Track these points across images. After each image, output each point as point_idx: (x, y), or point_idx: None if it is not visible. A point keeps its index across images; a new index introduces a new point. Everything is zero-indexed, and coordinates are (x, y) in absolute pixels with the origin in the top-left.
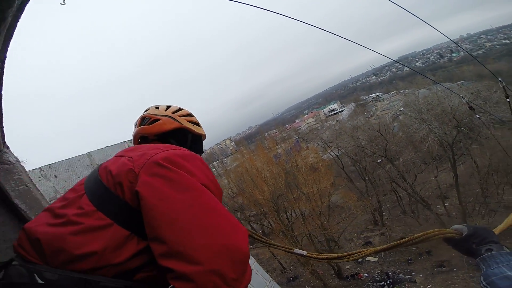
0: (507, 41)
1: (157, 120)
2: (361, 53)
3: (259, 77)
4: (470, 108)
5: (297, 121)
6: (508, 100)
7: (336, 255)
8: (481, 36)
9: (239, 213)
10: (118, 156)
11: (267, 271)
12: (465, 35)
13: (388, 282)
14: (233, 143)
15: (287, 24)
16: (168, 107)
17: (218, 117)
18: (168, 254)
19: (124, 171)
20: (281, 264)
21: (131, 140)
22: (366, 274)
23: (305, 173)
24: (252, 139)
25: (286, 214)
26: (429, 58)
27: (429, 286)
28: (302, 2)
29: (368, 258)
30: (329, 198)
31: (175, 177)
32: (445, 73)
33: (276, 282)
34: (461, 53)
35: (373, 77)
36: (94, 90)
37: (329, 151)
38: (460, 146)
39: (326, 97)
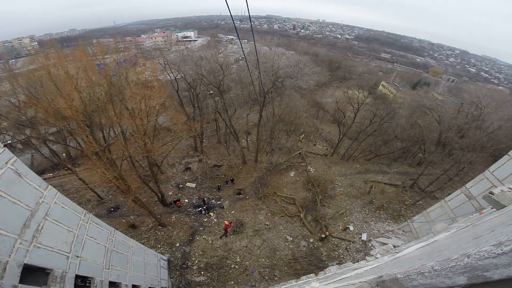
0: (339, 36)
1: None
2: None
3: None
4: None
5: (143, 36)
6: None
7: None
8: (329, 25)
9: (29, 130)
10: None
11: (79, 204)
12: (321, 20)
13: (204, 207)
14: (35, 43)
15: None
16: None
17: (31, 11)
18: None
19: None
20: (96, 193)
21: None
22: (186, 200)
23: (135, 88)
24: (71, 43)
25: (103, 132)
26: (285, 25)
27: (232, 212)
28: None
29: (188, 184)
30: (157, 117)
31: None
32: (287, 41)
33: (93, 214)
34: (307, 32)
35: (238, 22)
36: None
37: (168, 72)
38: (271, 96)
39: (186, 24)
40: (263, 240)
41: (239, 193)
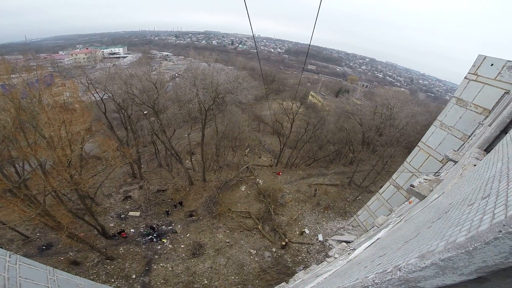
0: (272, 50)
1: None
2: (177, 14)
3: None
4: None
5: (61, 52)
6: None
7: None
8: (264, 40)
9: None
10: None
11: None
12: (256, 35)
13: (154, 235)
14: None
15: None
16: None
17: None
18: None
19: None
20: (19, 232)
21: None
22: (132, 230)
23: (52, 112)
24: None
25: (15, 166)
26: (223, 40)
27: (187, 235)
28: None
29: (131, 213)
30: (83, 145)
31: None
32: (225, 56)
33: (21, 255)
34: (244, 47)
35: (173, 38)
36: None
37: (92, 92)
38: (212, 113)
39: (114, 39)
40: (227, 258)
41: (191, 215)
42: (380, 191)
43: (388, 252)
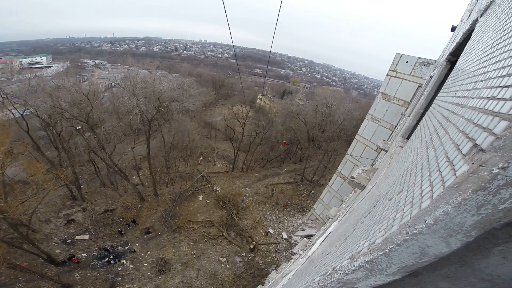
0: (220, 55)
1: None
2: (112, 20)
3: None
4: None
5: None
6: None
7: None
8: (210, 45)
9: None
10: None
11: None
12: (203, 40)
13: (111, 257)
14: None
15: None
16: None
17: None
18: None
19: None
20: None
21: None
22: (84, 254)
23: None
24: None
25: None
26: (166, 47)
27: (148, 253)
28: None
29: (78, 237)
30: (3, 171)
31: None
32: (169, 63)
33: None
34: (190, 52)
35: (108, 45)
36: None
37: (10, 108)
38: (156, 123)
39: (36, 48)
40: (197, 270)
41: (148, 232)
42: (330, 183)
43: (333, 250)
